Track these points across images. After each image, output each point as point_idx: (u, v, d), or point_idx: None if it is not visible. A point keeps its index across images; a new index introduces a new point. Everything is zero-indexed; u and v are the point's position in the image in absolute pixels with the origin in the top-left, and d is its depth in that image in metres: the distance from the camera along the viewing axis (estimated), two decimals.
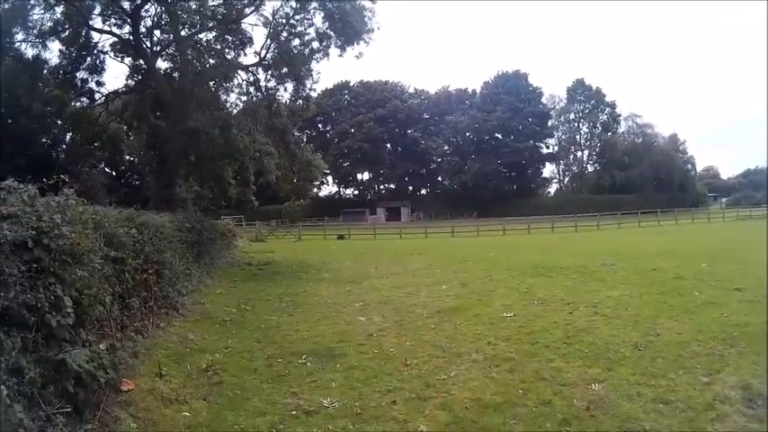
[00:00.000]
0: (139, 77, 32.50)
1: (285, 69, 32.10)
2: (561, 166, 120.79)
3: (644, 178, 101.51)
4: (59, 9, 29.50)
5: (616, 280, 17.84)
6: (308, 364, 9.91)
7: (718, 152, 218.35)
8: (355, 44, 31.66)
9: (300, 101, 34.93)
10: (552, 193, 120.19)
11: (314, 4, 31.06)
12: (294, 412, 7.62)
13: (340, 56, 32.33)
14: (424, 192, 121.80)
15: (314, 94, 37.46)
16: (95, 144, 38.61)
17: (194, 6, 29.17)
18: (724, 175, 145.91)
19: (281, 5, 31.63)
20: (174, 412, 7.55)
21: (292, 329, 12.82)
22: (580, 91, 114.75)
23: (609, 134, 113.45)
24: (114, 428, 6.45)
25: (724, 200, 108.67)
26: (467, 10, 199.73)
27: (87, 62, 32.27)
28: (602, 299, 14.39)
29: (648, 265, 21.11)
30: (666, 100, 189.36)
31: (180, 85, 29.79)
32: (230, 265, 26.18)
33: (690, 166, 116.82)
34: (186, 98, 28.66)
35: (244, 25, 32.29)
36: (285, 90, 33.81)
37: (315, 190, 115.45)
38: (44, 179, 7.65)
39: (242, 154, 29.20)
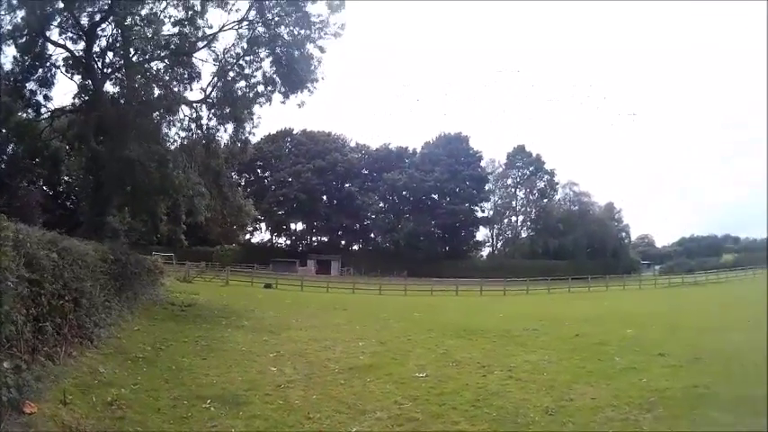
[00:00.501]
0: (86, 98, 31.78)
1: (228, 109, 32.10)
2: (495, 231, 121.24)
3: (577, 245, 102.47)
4: (20, 13, 29.01)
5: (537, 345, 17.78)
6: (212, 408, 9.74)
7: (654, 220, 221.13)
8: (299, 92, 31.98)
9: (239, 143, 34.76)
10: (485, 257, 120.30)
11: (264, 48, 31.32)
12: None
13: (282, 102, 32.57)
14: (356, 247, 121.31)
15: (253, 138, 37.50)
16: (36, 160, 37.80)
17: (149, 33, 29.21)
18: (659, 244, 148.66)
19: (234, 44, 31.88)
20: None
21: (202, 373, 12.61)
22: (520, 157, 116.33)
23: (545, 201, 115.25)
24: None
25: (657, 267, 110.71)
26: (415, 68, 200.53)
27: (39, 73, 31.78)
28: (519, 363, 14.28)
29: (573, 330, 21.22)
30: (604, 168, 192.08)
31: (123, 111, 29.41)
32: (153, 303, 25.46)
33: (624, 234, 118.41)
34: (127, 126, 28.35)
35: (194, 60, 32.26)
36: (225, 131, 33.76)
37: (247, 236, 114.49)
38: None
39: (176, 191, 29.05)
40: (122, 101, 31.05)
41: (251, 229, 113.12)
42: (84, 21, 29.53)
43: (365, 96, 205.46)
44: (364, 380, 12.38)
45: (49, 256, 10.70)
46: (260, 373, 12.97)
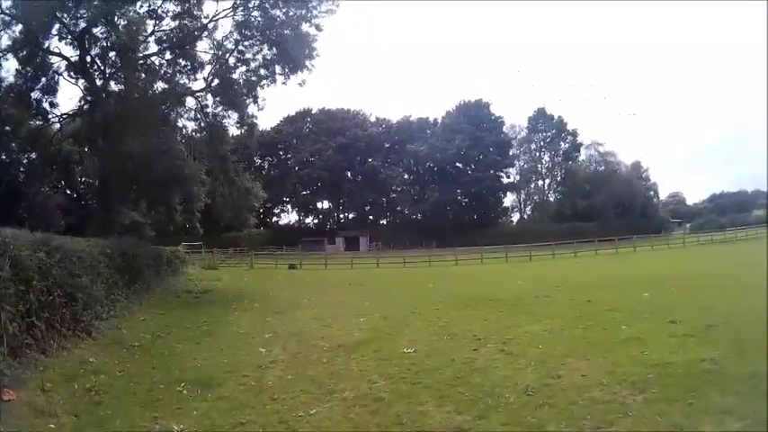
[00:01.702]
0: (91, 100, 32.33)
1: (230, 96, 32.34)
2: (523, 196, 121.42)
3: (606, 206, 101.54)
4: (18, 28, 29.94)
5: (544, 313, 17.17)
6: (185, 391, 10.02)
7: (685, 178, 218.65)
8: (299, 72, 32.14)
9: (245, 127, 35.34)
10: (515, 222, 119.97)
11: (259, 32, 31.57)
12: None
13: (284, 83, 32.88)
14: (384, 221, 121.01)
15: (269, 121, 38.53)
16: (53, 165, 39.12)
17: (142, 31, 30.39)
18: (690, 201, 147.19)
19: (231, 31, 32.16)
20: (41, 423, 7.97)
21: (191, 357, 12.95)
22: (542, 120, 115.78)
23: (570, 162, 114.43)
24: None
25: (688, 225, 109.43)
26: (432, 40, 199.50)
27: (42, 82, 32.84)
28: (517, 334, 13.73)
29: (586, 296, 20.42)
30: (634, 128, 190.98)
31: (122, 108, 29.67)
32: (168, 292, 25.56)
33: (652, 193, 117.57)
34: (126, 122, 28.68)
35: (198, 51, 33.07)
36: (229, 117, 34.04)
37: (274, 219, 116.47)
38: None
39: (189, 181, 29.56)
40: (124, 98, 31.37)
41: (277, 210, 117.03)
42: (83, 25, 29.98)
43: (381, 74, 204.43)
44: (348, 357, 12.29)
45: (36, 255, 11.51)
46: (247, 355, 13.14)
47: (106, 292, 16.32)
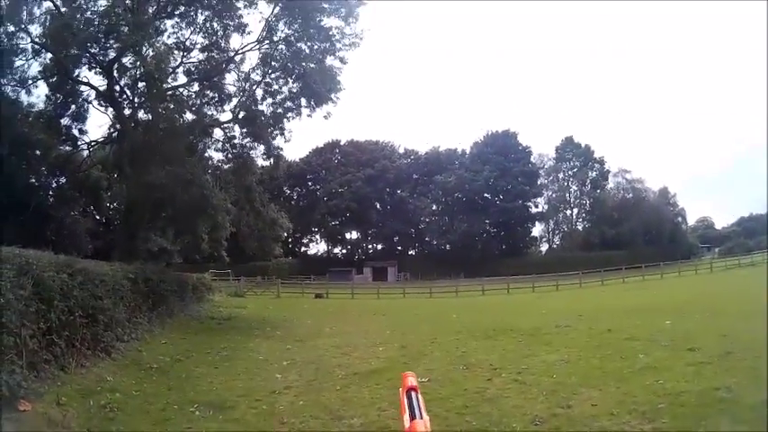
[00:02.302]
0: (119, 128, 32.56)
1: (256, 128, 32.46)
2: (551, 225, 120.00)
3: (634, 233, 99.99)
4: (48, 55, 30.24)
5: (562, 342, 17.04)
6: (197, 412, 10.24)
7: (712, 202, 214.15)
8: (324, 104, 32.26)
9: (272, 158, 35.48)
10: (544, 252, 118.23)
11: (286, 65, 31.76)
12: None
13: (309, 116, 32.86)
14: (412, 252, 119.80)
15: (296, 152, 38.45)
16: (82, 190, 39.70)
17: (170, 62, 30.16)
18: (719, 225, 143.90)
19: (258, 64, 32.43)
20: None
21: (207, 381, 13.25)
22: (569, 149, 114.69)
23: (598, 191, 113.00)
24: None
25: (716, 250, 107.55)
26: (461, 69, 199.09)
27: (71, 110, 33.06)
28: (533, 364, 13.68)
29: (607, 325, 20.14)
30: (659, 151, 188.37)
31: (150, 138, 29.86)
32: (192, 318, 25.76)
33: (680, 219, 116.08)
34: (153, 151, 28.83)
35: (226, 82, 33.24)
36: (256, 148, 34.25)
37: (302, 249, 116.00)
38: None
39: (215, 210, 29.62)
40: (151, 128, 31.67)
41: (306, 240, 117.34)
42: (112, 56, 30.19)
43: (406, 102, 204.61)
44: (362, 385, 12.36)
45: (58, 276, 11.81)
46: (263, 380, 13.40)
47: (128, 314, 16.92)
